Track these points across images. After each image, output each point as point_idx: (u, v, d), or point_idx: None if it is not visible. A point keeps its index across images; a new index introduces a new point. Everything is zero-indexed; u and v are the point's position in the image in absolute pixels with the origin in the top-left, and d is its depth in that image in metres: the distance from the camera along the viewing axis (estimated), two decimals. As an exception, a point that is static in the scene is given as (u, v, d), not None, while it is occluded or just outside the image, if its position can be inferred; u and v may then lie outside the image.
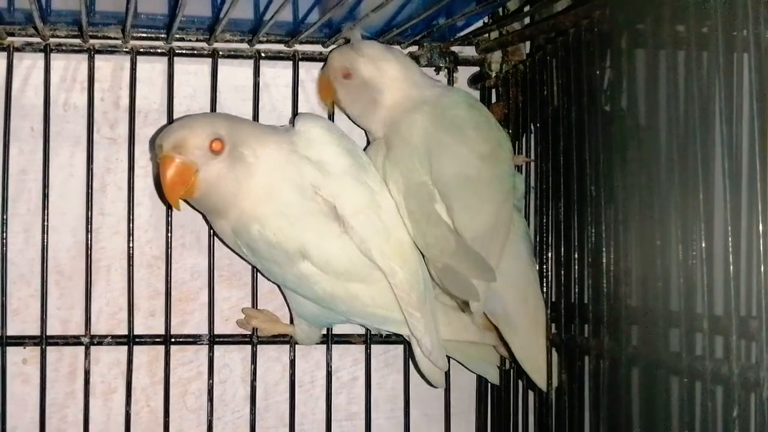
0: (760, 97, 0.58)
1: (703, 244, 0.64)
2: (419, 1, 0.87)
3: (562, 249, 0.86)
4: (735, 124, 0.66)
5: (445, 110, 0.89)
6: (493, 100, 1.04)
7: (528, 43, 0.99)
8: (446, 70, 1.02)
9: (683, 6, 0.65)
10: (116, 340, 0.94)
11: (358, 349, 1.01)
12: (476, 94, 1.04)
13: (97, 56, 0.94)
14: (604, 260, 0.78)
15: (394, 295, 0.86)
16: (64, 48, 0.94)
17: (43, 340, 0.92)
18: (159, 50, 0.95)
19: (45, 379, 0.92)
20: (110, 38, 0.94)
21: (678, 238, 0.66)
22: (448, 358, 0.94)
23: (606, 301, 0.77)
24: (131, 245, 0.93)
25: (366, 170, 0.88)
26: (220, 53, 0.97)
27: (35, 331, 0.93)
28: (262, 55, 0.98)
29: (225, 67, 0.98)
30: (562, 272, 0.86)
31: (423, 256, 0.88)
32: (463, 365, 0.99)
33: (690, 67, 0.65)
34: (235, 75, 0.99)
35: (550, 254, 0.89)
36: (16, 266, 0.95)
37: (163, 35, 0.94)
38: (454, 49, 1.02)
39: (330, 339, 0.97)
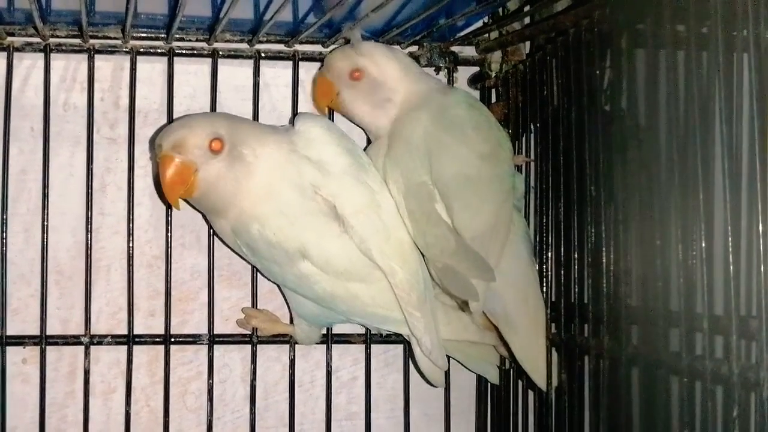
0: (760, 97, 0.58)
1: (703, 244, 0.64)
2: (419, 1, 0.87)
3: (562, 249, 0.86)
4: (735, 124, 0.66)
5: (446, 110, 0.89)
6: (493, 100, 1.04)
7: (528, 43, 1.00)
8: (446, 70, 1.02)
9: (683, 6, 0.65)
10: (116, 339, 0.94)
11: (358, 349, 1.01)
12: (476, 94, 1.04)
13: (97, 56, 0.94)
14: (604, 260, 0.78)
15: (394, 294, 0.86)
16: (64, 48, 0.94)
17: (42, 340, 0.92)
18: (159, 50, 0.95)
19: (45, 379, 0.92)
20: (110, 38, 0.94)
21: (678, 237, 0.66)
22: (448, 357, 0.94)
23: (606, 300, 0.77)
24: (131, 245, 0.93)
25: (366, 170, 0.88)
26: (220, 53, 0.97)
27: (35, 330, 0.93)
28: (262, 55, 0.98)
29: (225, 67, 0.98)
30: (562, 272, 0.86)
31: (423, 256, 0.88)
32: (462, 365, 0.99)
33: (690, 67, 0.65)
34: (235, 75, 0.99)
35: (550, 254, 0.89)
36: (16, 266, 0.95)
37: (163, 35, 0.94)
38: (454, 49, 1.02)
39: (330, 339, 0.97)
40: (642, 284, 0.72)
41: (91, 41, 0.94)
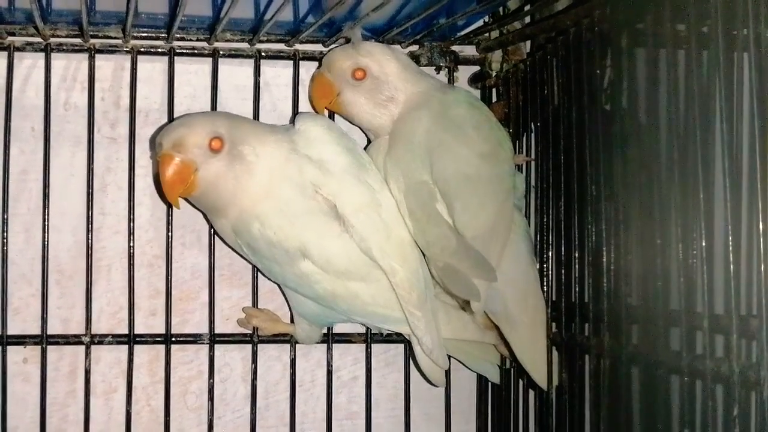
0: (760, 96, 0.58)
1: (704, 243, 0.64)
2: (419, 0, 0.87)
3: (563, 248, 0.86)
4: (735, 123, 0.66)
5: (447, 109, 0.89)
6: (494, 99, 1.04)
7: (528, 43, 0.99)
8: (447, 69, 1.02)
9: (683, 5, 0.65)
10: (117, 339, 0.94)
11: (359, 348, 1.01)
12: (477, 93, 1.03)
13: (97, 56, 0.95)
14: (605, 259, 0.78)
15: (395, 293, 0.86)
16: (64, 48, 0.94)
17: (43, 340, 0.92)
18: (159, 50, 0.95)
19: (45, 379, 0.92)
20: (111, 38, 0.94)
21: (678, 237, 0.66)
22: (449, 357, 0.94)
23: (606, 300, 0.77)
24: (132, 244, 0.93)
25: (366, 169, 0.88)
26: (221, 53, 0.97)
27: (36, 330, 0.93)
28: (263, 54, 0.98)
29: (225, 66, 0.98)
30: (563, 271, 0.86)
31: (423, 255, 0.88)
32: (463, 364, 0.99)
33: (690, 66, 0.65)
34: (236, 74, 0.99)
35: (550, 253, 0.89)
36: (17, 266, 0.95)
37: (163, 35, 0.94)
38: (455, 48, 1.02)
39: (330, 338, 0.97)
40: (642, 283, 0.72)
41: (92, 41, 0.94)
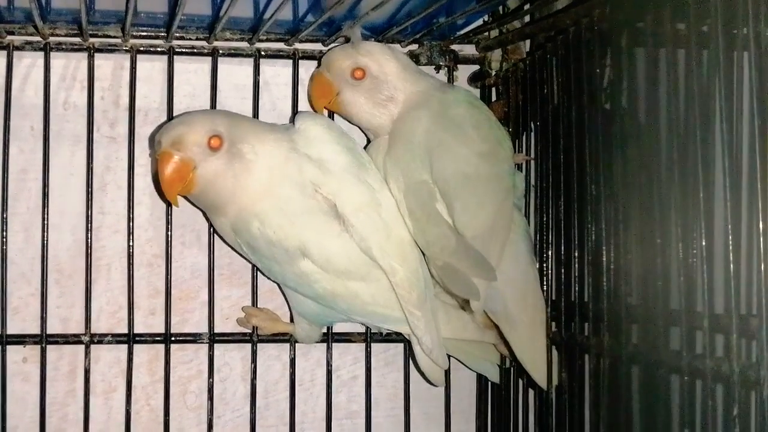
0: (760, 95, 0.58)
1: (704, 243, 0.64)
2: (419, -1, 0.87)
3: (563, 247, 0.86)
4: (735, 122, 0.66)
5: (446, 108, 0.89)
6: (493, 98, 1.04)
7: (528, 42, 0.99)
8: (446, 68, 1.02)
9: (683, 4, 0.65)
10: (116, 338, 0.94)
11: (359, 348, 1.01)
12: (476, 92, 1.03)
13: (97, 55, 0.94)
14: (605, 258, 0.78)
15: (394, 293, 0.86)
16: (63, 47, 0.94)
17: (43, 339, 0.92)
18: (159, 49, 0.95)
19: (45, 378, 0.92)
20: (110, 37, 0.94)
21: (678, 236, 0.66)
22: (449, 356, 0.94)
23: (606, 299, 0.77)
24: (131, 244, 0.93)
25: (366, 168, 0.88)
26: (220, 52, 0.97)
27: (35, 329, 0.93)
28: (262, 53, 0.98)
29: (225, 65, 0.98)
30: (563, 271, 0.86)
31: (423, 255, 0.88)
32: (463, 364, 0.99)
33: (690, 66, 0.65)
34: (235, 73, 0.99)
35: (550, 253, 0.89)
36: (17, 265, 0.95)
37: (163, 34, 0.94)
38: (454, 47, 1.02)
39: (330, 337, 0.97)
40: (642, 283, 0.72)
41: (91, 40, 0.94)
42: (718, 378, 0.61)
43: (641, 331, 0.72)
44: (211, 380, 0.95)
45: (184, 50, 0.96)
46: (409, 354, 0.99)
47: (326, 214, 0.85)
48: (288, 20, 0.94)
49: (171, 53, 0.95)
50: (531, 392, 0.93)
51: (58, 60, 0.95)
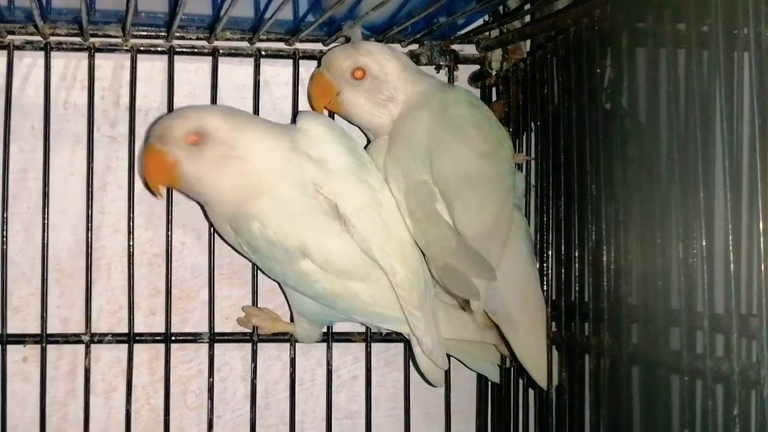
0: (761, 95, 0.58)
1: (704, 243, 0.64)
2: (419, -1, 0.87)
3: (563, 247, 0.86)
4: (735, 122, 0.66)
5: (447, 108, 0.89)
6: (494, 98, 1.04)
7: (528, 42, 0.99)
8: (447, 68, 1.02)
9: (684, 4, 0.65)
10: (116, 338, 0.94)
11: (359, 348, 1.01)
12: (476, 92, 1.03)
13: (97, 54, 0.94)
14: (605, 258, 0.78)
15: (394, 293, 0.86)
16: (64, 46, 0.94)
17: (43, 339, 0.92)
18: (159, 48, 0.95)
19: (45, 378, 0.92)
20: (110, 36, 0.94)
21: (678, 236, 0.66)
22: (449, 356, 0.94)
23: (606, 299, 0.77)
24: (131, 243, 0.93)
25: (367, 168, 0.88)
26: (221, 51, 0.97)
27: (35, 329, 0.93)
28: (263, 53, 0.98)
29: (225, 65, 0.98)
30: (563, 270, 0.86)
31: (423, 255, 0.88)
32: (463, 364, 0.99)
33: (690, 66, 0.65)
34: (236, 73, 0.99)
35: (550, 252, 0.89)
36: (17, 265, 0.95)
37: (163, 33, 0.94)
38: (455, 47, 1.02)
39: (330, 337, 0.97)
40: (642, 283, 0.72)
41: (92, 39, 0.94)
42: (718, 378, 0.61)
43: (641, 331, 0.72)
44: (211, 380, 0.95)
45: (184, 50, 0.96)
46: (409, 354, 0.99)
47: (327, 215, 0.85)
48: (288, 20, 0.94)
49: (171, 53, 0.95)
50: (531, 392, 0.93)
51: (58, 60, 0.95)
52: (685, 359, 0.65)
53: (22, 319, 0.95)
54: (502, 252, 0.87)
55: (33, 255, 0.95)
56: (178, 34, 0.95)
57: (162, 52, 0.95)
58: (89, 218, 0.93)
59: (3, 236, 0.91)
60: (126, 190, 0.94)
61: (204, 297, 0.97)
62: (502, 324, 0.90)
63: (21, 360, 0.95)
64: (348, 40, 0.93)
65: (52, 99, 0.93)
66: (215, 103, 0.96)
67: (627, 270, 0.74)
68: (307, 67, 0.99)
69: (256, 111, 0.97)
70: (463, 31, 1.00)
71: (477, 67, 1.04)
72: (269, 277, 0.93)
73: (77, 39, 0.93)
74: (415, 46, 1.01)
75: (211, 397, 0.94)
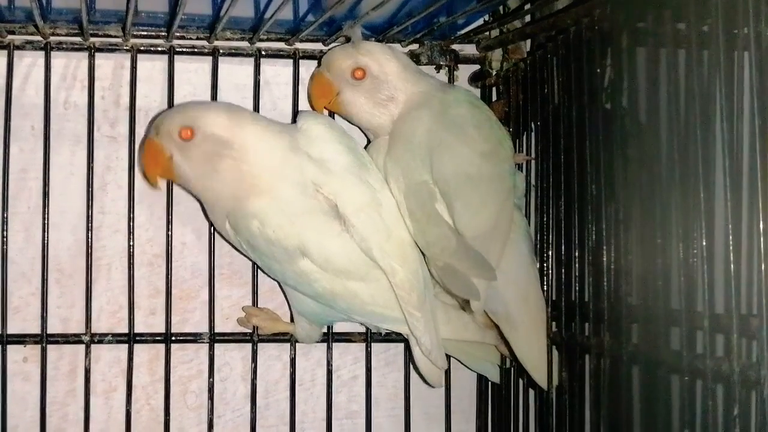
0: (761, 95, 0.58)
1: (704, 243, 0.64)
2: (420, -1, 0.87)
3: (563, 247, 0.86)
4: (736, 122, 0.66)
5: (447, 108, 0.89)
6: (494, 98, 1.04)
7: (528, 41, 0.99)
8: (447, 68, 1.02)
9: (684, 4, 0.65)
10: (117, 338, 0.94)
11: (359, 348, 1.01)
12: (477, 92, 1.03)
13: (97, 54, 0.94)
14: (605, 258, 0.78)
15: (394, 293, 0.86)
16: (64, 46, 0.94)
17: (43, 339, 0.92)
18: (159, 48, 0.95)
19: (45, 378, 0.92)
20: (111, 36, 0.94)
21: (679, 236, 0.66)
22: (448, 357, 0.94)
23: (607, 299, 0.77)
24: (132, 243, 0.93)
25: (367, 168, 0.88)
26: (221, 51, 0.97)
27: (36, 329, 0.93)
28: (263, 53, 0.98)
29: (225, 65, 0.98)
30: (563, 270, 0.86)
31: (423, 255, 0.88)
32: (463, 364, 0.99)
33: (691, 66, 0.65)
34: (236, 73, 0.99)
35: (550, 252, 0.89)
36: (17, 265, 0.95)
37: (163, 33, 0.94)
38: (455, 47, 1.02)
39: (330, 337, 0.97)
40: (643, 283, 0.72)
41: (92, 39, 0.94)
42: (718, 378, 0.61)
43: (642, 331, 0.72)
44: (211, 380, 0.95)
45: (184, 50, 0.96)
46: (408, 354, 0.99)
47: (326, 214, 0.85)
48: (288, 20, 0.94)
49: (171, 53, 0.95)
50: (531, 392, 0.93)
51: (58, 59, 0.95)
52: (685, 359, 0.65)
53: (22, 319, 0.95)
54: (502, 252, 0.87)
55: (33, 255, 0.95)
56: (178, 34, 0.95)
57: (162, 52, 0.95)
58: (89, 218, 0.93)
59: (3, 236, 0.91)
60: (126, 190, 0.94)
61: (204, 297, 0.97)
62: (502, 324, 0.90)
63: (21, 360, 0.95)
64: (348, 40, 0.93)
65: (52, 99, 0.93)
66: (215, 103, 0.96)
67: (627, 270, 0.74)
68: (307, 67, 0.99)
69: (256, 111, 0.97)
70: (463, 31, 1.00)
71: (477, 67, 1.04)
72: (269, 276, 0.93)
73: (77, 39, 0.93)
74: (415, 46, 1.01)
75: (211, 398, 0.94)
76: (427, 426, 1.03)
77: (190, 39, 0.96)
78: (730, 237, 0.60)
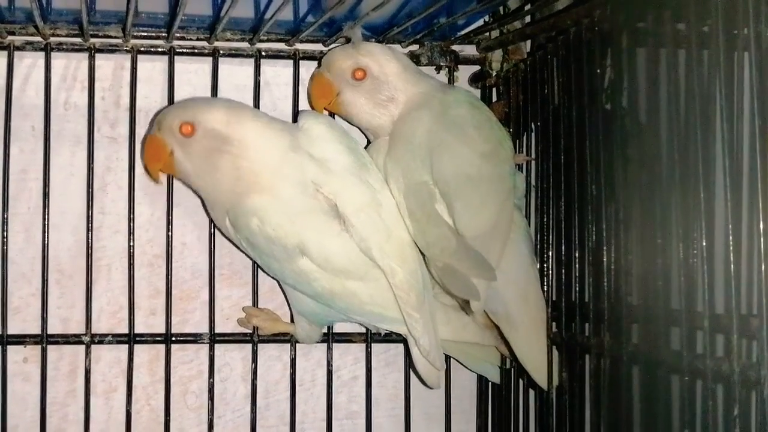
0: (761, 95, 0.58)
1: (704, 243, 0.64)
2: (420, -1, 0.87)
3: (563, 248, 0.86)
4: (736, 122, 0.66)
5: (447, 109, 0.89)
6: (494, 98, 1.04)
7: (528, 42, 0.99)
8: (447, 68, 1.02)
9: (684, 4, 0.65)
10: (117, 338, 0.94)
11: (359, 348, 1.01)
12: (477, 92, 1.03)
13: (97, 55, 0.94)
14: (605, 259, 0.78)
15: (393, 293, 0.86)
16: (64, 47, 0.94)
17: (43, 339, 0.92)
18: (160, 49, 0.95)
19: (46, 378, 0.92)
20: (111, 37, 0.94)
21: (679, 236, 0.66)
22: (448, 357, 0.94)
23: (607, 299, 0.77)
24: (132, 244, 0.93)
25: (367, 169, 0.88)
26: (221, 52, 0.97)
27: (36, 329, 0.93)
28: (263, 53, 0.98)
29: (226, 66, 0.98)
30: (563, 271, 0.86)
31: (423, 256, 0.88)
32: (463, 364, 0.99)
33: (691, 66, 0.65)
34: (236, 74, 0.99)
35: (550, 253, 0.89)
36: (17, 265, 0.95)
37: (163, 34, 0.94)
38: (455, 47, 1.02)
39: (331, 338, 0.97)
40: (643, 283, 0.72)
41: (92, 40, 0.94)
42: (718, 378, 0.61)
43: (642, 331, 0.72)
44: (211, 380, 0.95)
45: (184, 50, 0.96)
46: (409, 354, 0.99)
47: (326, 214, 0.85)
48: (288, 21, 0.94)
49: (172, 53, 0.95)
50: (531, 392, 0.93)
51: (58, 60, 0.95)
52: (685, 359, 0.65)
53: (22, 320, 0.95)
54: (502, 252, 0.87)
55: (33, 255, 0.95)
56: (178, 35, 0.95)
57: (162, 53, 0.95)
58: (89, 219, 0.93)
59: (3, 237, 0.91)
60: (126, 191, 0.94)
61: (204, 297, 0.97)
62: (503, 324, 0.90)
63: (21, 360, 0.95)
64: (348, 40, 0.93)
65: (52, 99, 0.93)
66: (215, 103, 0.96)
67: (627, 270, 0.74)
68: (307, 68, 0.99)
69: (256, 111, 0.97)
70: (463, 32, 1.00)
71: (477, 67, 1.04)
72: (269, 276, 0.93)
73: (77, 40, 0.93)
74: (415, 47, 1.01)
75: (211, 398, 0.94)
76: (428, 426, 1.03)
77: (191, 40, 0.96)
78: (730, 237, 0.60)
